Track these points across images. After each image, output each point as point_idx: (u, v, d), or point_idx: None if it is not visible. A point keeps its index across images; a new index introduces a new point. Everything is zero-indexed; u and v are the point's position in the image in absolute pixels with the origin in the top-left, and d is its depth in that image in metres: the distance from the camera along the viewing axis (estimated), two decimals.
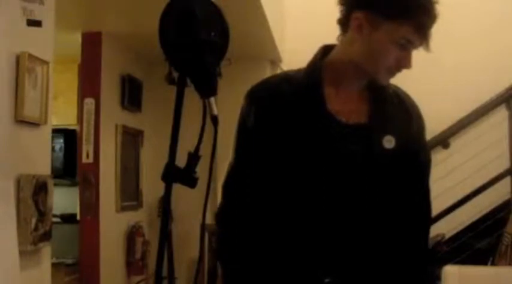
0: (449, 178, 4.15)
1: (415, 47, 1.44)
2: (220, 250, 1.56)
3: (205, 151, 1.33)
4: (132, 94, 5.20)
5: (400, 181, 1.49)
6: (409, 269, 1.51)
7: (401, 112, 1.53)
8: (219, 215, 1.56)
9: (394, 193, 1.49)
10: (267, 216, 1.48)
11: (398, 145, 1.46)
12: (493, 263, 3.56)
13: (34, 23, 2.16)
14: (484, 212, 4.21)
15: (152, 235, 5.43)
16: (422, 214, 1.58)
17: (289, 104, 1.46)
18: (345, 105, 1.49)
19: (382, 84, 1.51)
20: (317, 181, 1.44)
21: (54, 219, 2.54)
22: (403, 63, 1.45)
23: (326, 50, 1.56)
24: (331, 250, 1.42)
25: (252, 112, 1.50)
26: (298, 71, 1.56)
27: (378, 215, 1.46)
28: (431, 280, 1.68)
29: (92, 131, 4.60)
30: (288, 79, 1.54)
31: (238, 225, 1.52)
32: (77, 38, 4.63)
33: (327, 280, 1.40)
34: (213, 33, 1.18)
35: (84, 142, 4.61)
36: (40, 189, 2.19)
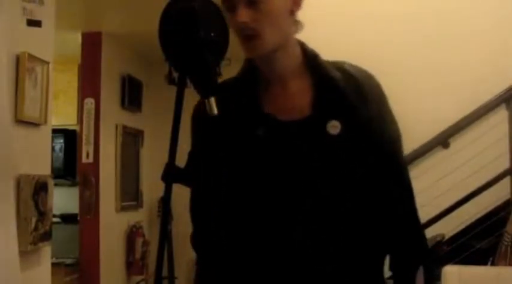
0: (449, 178, 4.14)
1: (237, 3, 1.26)
2: (196, 272, 1.49)
3: None
4: (132, 94, 5.20)
5: (363, 167, 1.34)
6: (402, 265, 1.41)
7: (351, 91, 1.35)
8: (190, 239, 1.48)
9: (359, 182, 1.34)
10: (229, 232, 1.38)
11: (348, 128, 1.32)
12: (493, 263, 3.56)
13: (34, 23, 2.16)
14: (484, 212, 4.20)
15: (152, 235, 5.43)
16: (402, 202, 1.41)
17: (224, 113, 1.29)
18: (285, 102, 1.36)
19: (249, 56, 1.34)
20: (270, 186, 1.33)
21: (54, 219, 2.54)
22: (235, 25, 1.27)
23: None
24: (303, 257, 1.33)
25: (193, 133, 1.42)
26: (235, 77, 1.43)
27: (346, 210, 1.34)
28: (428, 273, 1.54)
29: (92, 131, 4.61)
30: (223, 88, 1.34)
31: (206, 247, 1.44)
32: (77, 38, 4.63)
33: None
34: (213, 33, 1.18)
35: (84, 142, 4.61)
36: (40, 189, 2.19)
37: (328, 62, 1.41)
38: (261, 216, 1.34)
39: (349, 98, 1.34)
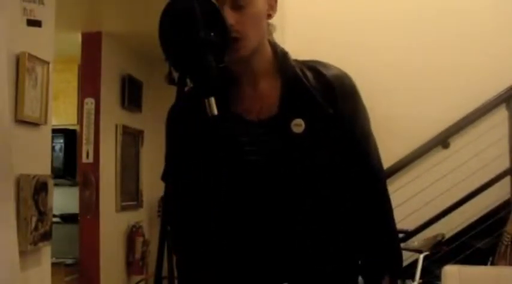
0: (449, 178, 4.14)
1: (223, 5, 1.25)
2: (179, 275, 1.46)
3: None
4: (132, 94, 5.20)
5: (331, 165, 1.35)
6: (372, 254, 1.42)
7: (319, 90, 1.35)
8: (172, 244, 1.42)
9: (328, 179, 1.35)
10: (210, 234, 1.38)
11: (312, 126, 1.32)
12: (493, 263, 3.56)
13: (34, 23, 2.16)
14: (484, 212, 4.21)
15: (152, 235, 5.43)
16: (372, 198, 1.42)
17: (194, 115, 1.30)
18: (254, 102, 1.37)
19: (232, 58, 1.28)
20: (244, 186, 1.34)
21: (54, 219, 2.54)
22: None
23: None
24: (285, 253, 1.33)
25: (170, 135, 1.42)
26: None
27: (318, 208, 1.35)
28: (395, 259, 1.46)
29: (92, 131, 4.61)
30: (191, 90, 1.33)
31: (195, 248, 1.43)
32: (77, 38, 4.63)
33: None
34: (212, 33, 1.18)
35: (84, 142, 4.62)
36: (40, 189, 2.19)
37: (300, 61, 1.42)
38: (242, 210, 1.34)
39: (315, 96, 1.35)
